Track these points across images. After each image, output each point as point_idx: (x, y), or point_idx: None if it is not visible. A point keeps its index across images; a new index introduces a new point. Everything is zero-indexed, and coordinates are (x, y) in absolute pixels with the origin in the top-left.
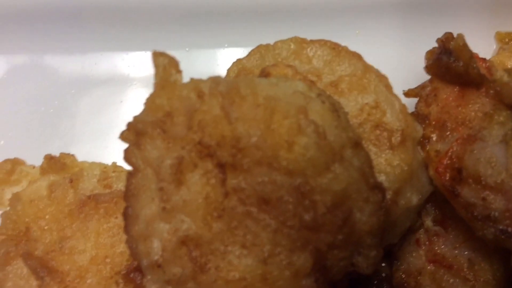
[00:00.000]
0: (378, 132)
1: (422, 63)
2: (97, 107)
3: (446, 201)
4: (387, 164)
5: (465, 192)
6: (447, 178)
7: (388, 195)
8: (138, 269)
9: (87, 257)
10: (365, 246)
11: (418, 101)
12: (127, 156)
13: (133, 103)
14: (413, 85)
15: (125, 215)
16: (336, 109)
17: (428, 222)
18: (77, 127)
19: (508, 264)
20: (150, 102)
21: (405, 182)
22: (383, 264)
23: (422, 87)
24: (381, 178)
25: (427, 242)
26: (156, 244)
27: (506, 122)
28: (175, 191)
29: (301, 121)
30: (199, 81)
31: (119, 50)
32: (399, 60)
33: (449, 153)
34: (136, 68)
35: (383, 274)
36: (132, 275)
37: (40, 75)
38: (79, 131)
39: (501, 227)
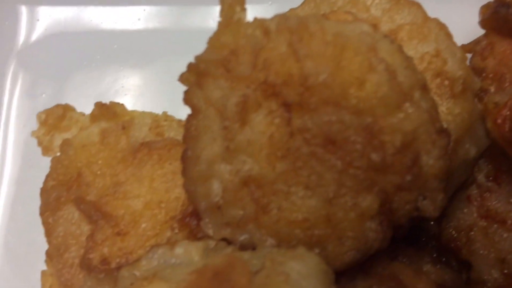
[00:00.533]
0: (439, 80)
1: (470, 21)
2: (143, 59)
3: (499, 156)
4: (448, 112)
5: None
6: (507, 129)
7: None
8: (194, 214)
9: (141, 202)
10: (432, 189)
11: (473, 56)
12: (188, 97)
13: (180, 55)
14: (464, 42)
15: (184, 158)
16: (403, 51)
17: (481, 177)
18: (124, 79)
19: None
20: (214, 40)
21: (465, 132)
22: (431, 223)
23: (476, 42)
24: None
25: (479, 198)
26: (216, 186)
27: None
28: (239, 130)
29: (372, 58)
30: (265, 19)
31: (166, 3)
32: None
33: (509, 104)
34: (184, 20)
35: (431, 233)
36: (187, 220)
37: (85, 26)
38: (126, 83)
39: None
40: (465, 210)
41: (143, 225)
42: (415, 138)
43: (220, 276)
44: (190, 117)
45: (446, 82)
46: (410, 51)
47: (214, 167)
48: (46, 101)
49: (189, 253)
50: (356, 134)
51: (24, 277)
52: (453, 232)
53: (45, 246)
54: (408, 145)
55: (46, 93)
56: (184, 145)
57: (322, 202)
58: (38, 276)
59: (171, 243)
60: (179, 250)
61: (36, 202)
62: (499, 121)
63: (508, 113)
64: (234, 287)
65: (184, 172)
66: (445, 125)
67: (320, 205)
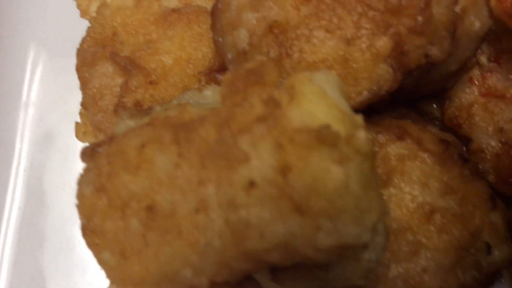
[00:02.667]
0: None
1: None
2: None
3: (501, 36)
4: None
5: None
6: (509, 3)
7: (457, 9)
8: (220, 69)
9: (171, 58)
10: (440, 37)
11: None
12: None
13: None
14: None
15: (214, 10)
16: None
17: (483, 59)
18: None
19: None
20: None
21: (470, 6)
22: (434, 105)
23: None
24: None
25: (480, 78)
26: (243, 33)
27: None
28: None
29: None
30: None
31: None
32: None
33: None
34: None
35: (434, 115)
36: (213, 74)
37: None
38: None
39: None
40: (467, 90)
41: (173, 77)
42: None
43: (251, 72)
44: None
45: None
46: None
47: (242, 15)
48: None
49: (217, 94)
50: None
51: None
52: (455, 111)
53: None
54: None
55: None
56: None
57: (340, 43)
58: None
59: (199, 87)
60: (207, 92)
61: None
62: None
63: None
64: (266, 81)
65: (213, 24)
66: None
67: (338, 46)
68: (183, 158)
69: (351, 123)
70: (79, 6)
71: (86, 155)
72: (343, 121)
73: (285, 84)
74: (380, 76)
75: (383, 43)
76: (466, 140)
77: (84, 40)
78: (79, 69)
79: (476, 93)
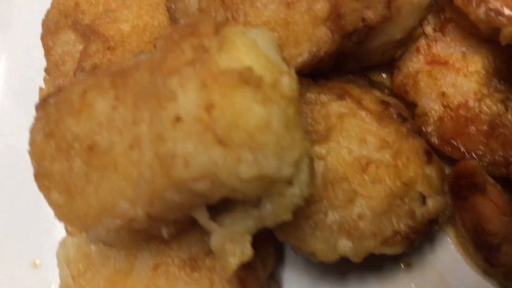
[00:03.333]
0: None
1: None
2: None
3: (444, 8)
4: None
5: None
6: None
7: None
8: None
9: (129, 25)
10: (375, 2)
11: None
12: None
13: None
14: None
15: None
16: None
17: (428, 29)
18: None
19: (497, 56)
20: None
21: None
22: (384, 75)
23: None
24: None
25: (426, 47)
26: (193, 0)
27: None
28: None
29: None
30: None
31: None
32: None
33: None
34: None
35: (385, 86)
36: None
37: None
38: None
39: (492, 6)
40: (414, 59)
41: (130, 43)
42: None
43: (187, 25)
44: None
45: None
46: None
47: None
48: None
49: None
50: None
51: None
52: (403, 79)
53: None
54: None
55: None
56: None
57: (282, 7)
58: None
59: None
60: None
61: None
62: None
63: None
64: (199, 32)
65: None
66: None
67: (280, 10)
68: (119, 101)
69: (278, 71)
70: None
71: (39, 106)
72: (270, 69)
73: (218, 34)
74: (319, 38)
75: (321, 6)
76: (413, 105)
77: (48, 12)
78: (43, 38)
79: (422, 62)
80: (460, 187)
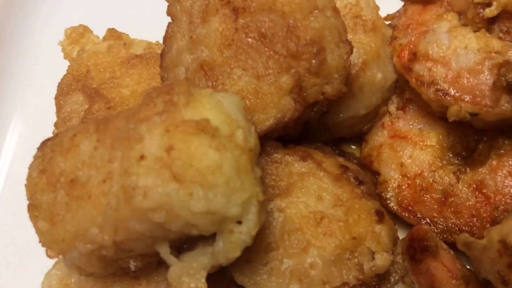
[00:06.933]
0: (355, 21)
1: None
2: None
3: (405, 89)
4: (359, 42)
5: (417, 67)
6: (406, 59)
7: (358, 62)
8: None
9: (129, 90)
10: (334, 79)
11: (393, 21)
12: (169, 10)
13: None
14: None
15: (162, 53)
16: None
17: (392, 108)
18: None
19: (450, 132)
20: None
21: (372, 59)
22: (353, 147)
23: (397, 11)
24: (353, 51)
25: (389, 123)
26: (182, 71)
27: (452, 20)
28: (200, 25)
29: None
30: None
31: None
32: None
33: (409, 43)
34: None
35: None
36: None
37: None
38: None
39: (440, 87)
40: (379, 134)
41: (128, 105)
42: (322, 37)
43: (166, 86)
44: (169, 24)
45: (360, 22)
46: (337, 1)
47: (181, 56)
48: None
49: None
50: (281, 31)
51: None
52: (369, 150)
53: None
54: (316, 41)
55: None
56: None
57: (253, 79)
58: None
59: None
60: None
61: None
62: (401, 55)
63: (407, 49)
64: (173, 91)
65: (161, 64)
66: (355, 50)
67: (251, 81)
68: (100, 142)
69: (236, 125)
70: (63, 50)
71: (39, 147)
72: (229, 123)
73: (189, 94)
74: (284, 106)
75: (286, 79)
76: (377, 174)
77: (64, 76)
78: (56, 98)
79: (386, 136)
80: (414, 250)
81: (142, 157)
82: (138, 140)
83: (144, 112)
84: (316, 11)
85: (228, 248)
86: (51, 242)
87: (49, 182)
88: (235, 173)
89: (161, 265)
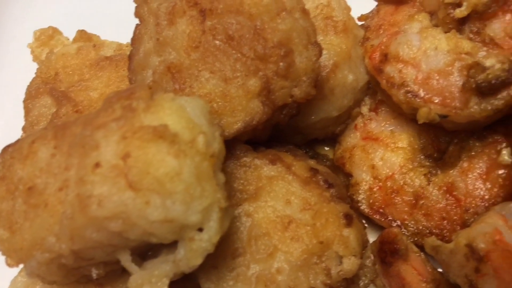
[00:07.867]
0: (326, 22)
1: None
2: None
3: (377, 91)
4: (330, 43)
5: (387, 69)
6: (377, 61)
7: (329, 64)
8: None
9: (97, 93)
10: (302, 81)
11: (366, 21)
12: (137, 11)
13: None
14: None
15: (130, 55)
16: None
17: (365, 110)
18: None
19: (421, 134)
20: None
21: (343, 60)
22: (327, 148)
23: (371, 12)
24: (324, 52)
25: (362, 125)
26: (149, 73)
27: (423, 20)
28: (167, 27)
29: None
30: None
31: None
32: None
33: (380, 45)
34: None
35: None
36: None
37: None
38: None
39: (410, 89)
40: (352, 135)
41: (96, 108)
42: (290, 39)
43: (127, 90)
44: (137, 25)
45: (331, 23)
46: (308, 2)
47: (149, 59)
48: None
49: None
50: (248, 33)
51: None
52: (342, 152)
53: None
54: (284, 43)
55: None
56: None
57: (220, 82)
58: None
59: None
60: None
61: None
62: (372, 56)
63: (379, 50)
64: (133, 96)
65: (129, 66)
66: (325, 52)
67: (219, 84)
68: (58, 149)
69: (198, 131)
70: (32, 52)
71: (0, 154)
72: (191, 129)
73: (150, 99)
74: (252, 109)
75: (254, 82)
76: (349, 176)
77: (33, 79)
78: (25, 101)
79: (358, 138)
80: (385, 253)
81: (97, 164)
82: (94, 148)
83: (101, 118)
84: (284, 13)
85: (189, 256)
86: (10, 251)
87: (8, 189)
88: (195, 180)
89: (125, 272)
